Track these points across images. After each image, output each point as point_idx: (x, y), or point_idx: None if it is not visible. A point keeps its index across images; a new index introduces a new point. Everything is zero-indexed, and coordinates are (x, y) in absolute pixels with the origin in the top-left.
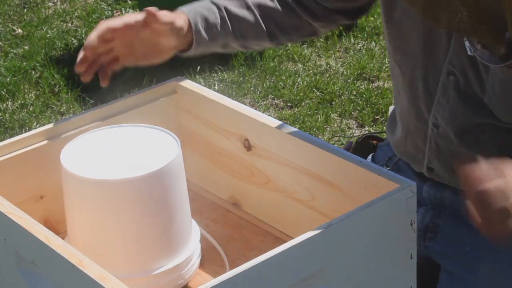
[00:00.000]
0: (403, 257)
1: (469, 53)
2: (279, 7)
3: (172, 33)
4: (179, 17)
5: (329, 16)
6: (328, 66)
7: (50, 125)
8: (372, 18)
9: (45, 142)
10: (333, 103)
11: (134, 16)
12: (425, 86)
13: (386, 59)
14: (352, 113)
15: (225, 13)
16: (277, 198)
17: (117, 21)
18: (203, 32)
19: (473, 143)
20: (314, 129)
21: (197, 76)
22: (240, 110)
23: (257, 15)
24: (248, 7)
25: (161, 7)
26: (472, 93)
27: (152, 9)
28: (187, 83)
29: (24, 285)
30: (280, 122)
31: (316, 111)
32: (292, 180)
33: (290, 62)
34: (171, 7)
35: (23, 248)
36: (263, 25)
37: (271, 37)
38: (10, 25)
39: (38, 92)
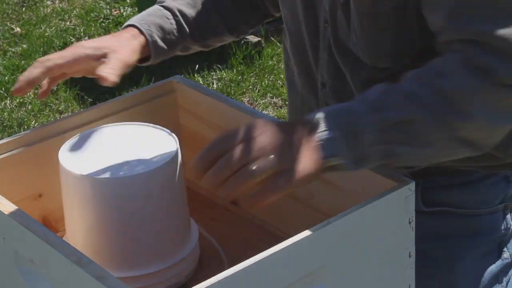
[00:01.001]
0: (401, 255)
1: None
2: None
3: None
4: (130, 43)
5: None
6: None
7: (49, 124)
8: None
9: (43, 140)
10: None
11: (82, 51)
12: (311, 42)
13: None
14: None
15: (180, 17)
16: None
17: (64, 57)
18: (160, 42)
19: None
20: None
21: (195, 75)
22: (238, 109)
23: (214, 11)
24: (203, 5)
25: None
26: (345, 43)
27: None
28: (186, 82)
29: (23, 283)
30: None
31: None
32: None
33: None
34: None
35: (21, 246)
36: (221, 20)
37: (231, 31)
38: (8, 24)
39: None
